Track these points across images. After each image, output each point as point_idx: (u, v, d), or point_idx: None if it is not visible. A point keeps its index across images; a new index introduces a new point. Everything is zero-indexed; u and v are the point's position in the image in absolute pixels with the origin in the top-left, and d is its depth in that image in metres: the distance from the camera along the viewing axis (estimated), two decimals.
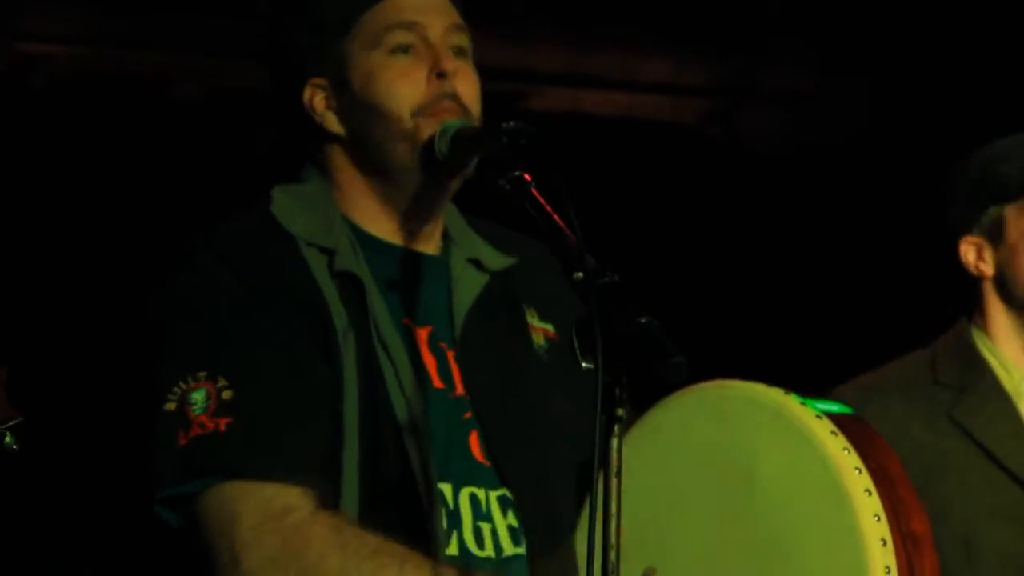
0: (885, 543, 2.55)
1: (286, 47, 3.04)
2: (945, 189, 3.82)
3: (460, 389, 2.89)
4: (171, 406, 2.67)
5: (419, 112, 2.81)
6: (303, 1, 3.08)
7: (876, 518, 2.55)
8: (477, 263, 3.01)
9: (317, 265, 2.85)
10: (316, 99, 2.93)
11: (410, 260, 3.00)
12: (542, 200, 2.47)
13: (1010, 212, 3.63)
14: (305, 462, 2.72)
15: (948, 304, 3.83)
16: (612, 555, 2.21)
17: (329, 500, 2.71)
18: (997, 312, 3.68)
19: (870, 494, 2.57)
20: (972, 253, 3.66)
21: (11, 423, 2.66)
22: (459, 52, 2.89)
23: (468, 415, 2.88)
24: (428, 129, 2.81)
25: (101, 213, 4.68)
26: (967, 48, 6.02)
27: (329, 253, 2.87)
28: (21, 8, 5.72)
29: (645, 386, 2.78)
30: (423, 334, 2.89)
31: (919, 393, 3.64)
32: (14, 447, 2.65)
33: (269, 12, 3.24)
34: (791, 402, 2.74)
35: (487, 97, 2.93)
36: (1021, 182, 3.65)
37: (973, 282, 3.69)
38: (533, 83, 4.84)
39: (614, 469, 2.26)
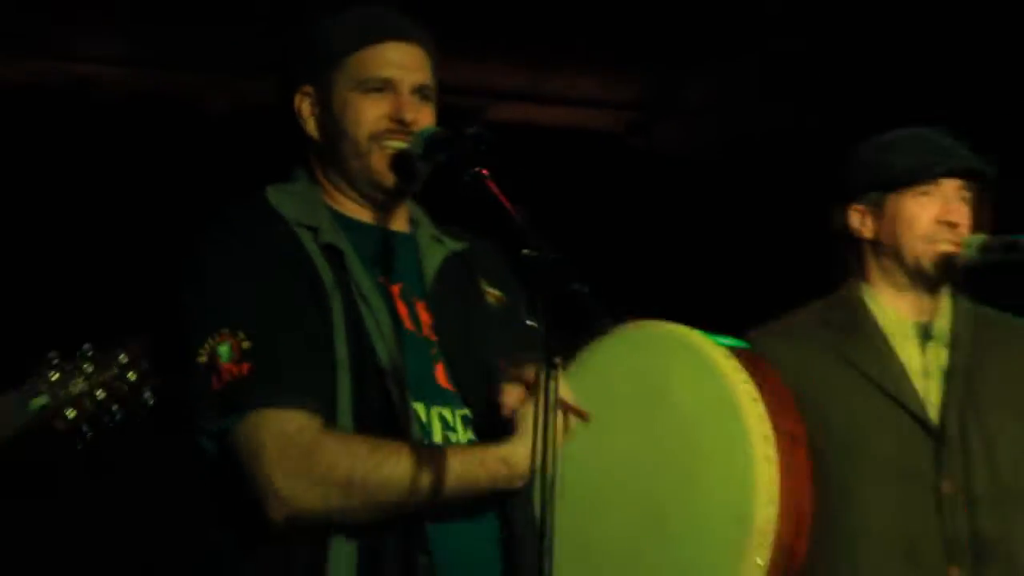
0: (767, 438, 3.04)
1: (289, 60, 3.41)
2: (842, 162, 3.96)
3: (427, 331, 3.23)
4: (203, 359, 2.98)
5: (373, 139, 3.19)
6: (310, 28, 3.40)
7: (760, 418, 3.06)
8: (438, 240, 3.39)
9: (306, 240, 3.17)
10: (304, 105, 3.29)
11: (383, 235, 3.32)
12: (497, 191, 2.83)
13: (890, 197, 3.78)
14: (310, 393, 3.02)
15: (840, 265, 3.98)
16: (550, 468, 2.60)
17: (330, 421, 3.04)
18: (875, 269, 3.87)
19: (756, 401, 3.08)
20: (857, 219, 3.84)
21: (152, 383, 2.79)
22: (423, 97, 3.25)
23: (434, 351, 3.22)
24: (377, 152, 3.19)
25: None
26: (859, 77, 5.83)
27: (314, 230, 3.19)
28: (75, 31, 5.55)
29: (578, 337, 3.17)
30: (395, 289, 3.21)
31: (814, 335, 3.85)
32: (150, 402, 2.78)
33: (286, 34, 3.56)
34: (695, 334, 3.24)
35: (451, 109, 3.31)
36: (902, 177, 3.80)
37: (857, 243, 3.87)
38: (488, 98, 5.04)
39: (552, 404, 2.61)
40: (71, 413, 2.67)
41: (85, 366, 2.71)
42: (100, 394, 2.68)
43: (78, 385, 2.69)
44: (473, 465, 3.03)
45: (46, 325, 2.74)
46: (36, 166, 6.02)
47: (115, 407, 2.70)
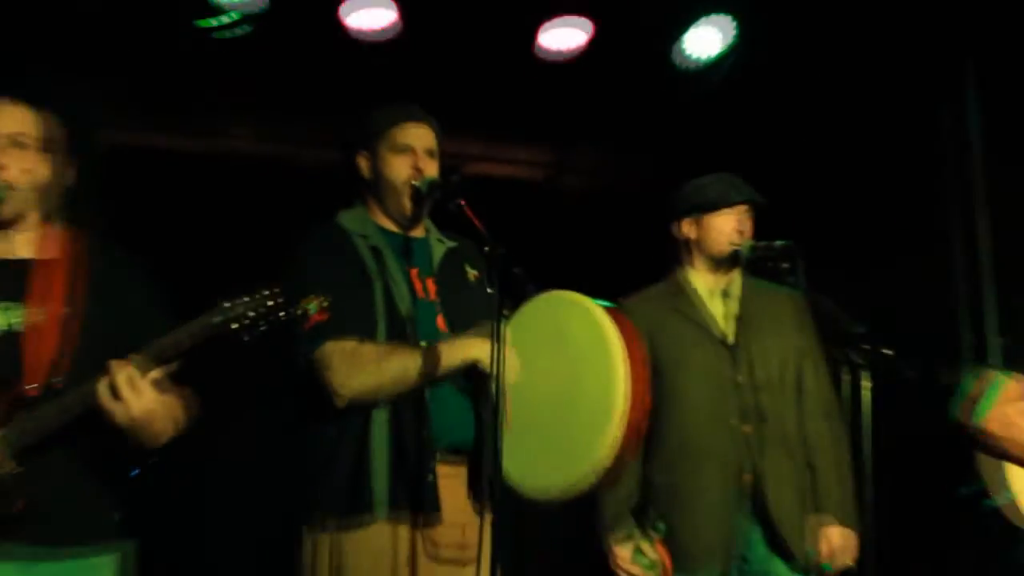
0: (624, 358, 3.15)
1: (352, 137, 3.55)
2: (674, 193, 4.09)
3: (433, 297, 3.43)
4: (300, 310, 3.08)
5: (404, 183, 3.43)
6: (364, 116, 3.53)
7: (619, 345, 3.16)
8: (440, 241, 3.56)
9: (360, 243, 3.42)
10: (361, 162, 3.51)
11: (406, 239, 3.50)
12: (470, 213, 3.16)
13: (706, 216, 3.99)
14: (357, 331, 3.29)
15: (672, 259, 4.14)
16: (500, 370, 2.93)
17: None
18: (696, 258, 4.05)
19: (617, 335, 3.19)
20: (685, 229, 4.03)
21: (280, 311, 2.78)
22: (431, 156, 3.46)
23: (437, 308, 3.42)
24: (407, 189, 3.41)
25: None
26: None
27: (364, 237, 3.43)
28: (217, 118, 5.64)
29: (518, 299, 3.25)
30: (414, 272, 3.43)
31: (659, 299, 4.02)
32: (280, 321, 2.80)
33: (348, 119, 3.60)
34: (584, 297, 3.32)
35: (443, 165, 3.51)
36: (714, 203, 3.98)
37: (685, 243, 4.05)
38: (462, 160, 5.00)
39: (502, 341, 2.94)
40: (235, 325, 2.69)
41: (244, 299, 2.73)
42: (252, 315, 2.70)
43: (238, 310, 2.69)
44: (452, 350, 3.26)
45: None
46: (190, 206, 5.99)
47: (261, 323, 2.72)
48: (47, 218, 2.94)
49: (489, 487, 3.10)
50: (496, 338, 2.95)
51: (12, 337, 2.77)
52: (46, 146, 2.86)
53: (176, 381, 2.88)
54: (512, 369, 3.18)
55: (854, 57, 5.46)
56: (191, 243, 6.11)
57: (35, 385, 2.73)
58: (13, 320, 2.79)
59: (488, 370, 2.98)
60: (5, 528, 2.64)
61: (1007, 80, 5.20)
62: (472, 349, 3.24)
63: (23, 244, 2.89)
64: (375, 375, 3.24)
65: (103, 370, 2.67)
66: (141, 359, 2.67)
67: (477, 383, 3.30)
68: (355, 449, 3.27)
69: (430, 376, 3.24)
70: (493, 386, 2.95)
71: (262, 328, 2.73)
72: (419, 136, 3.46)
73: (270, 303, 2.75)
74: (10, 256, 2.85)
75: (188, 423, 2.96)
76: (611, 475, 3.21)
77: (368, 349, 3.27)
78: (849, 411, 3.69)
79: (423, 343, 3.33)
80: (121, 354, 2.71)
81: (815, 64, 5.56)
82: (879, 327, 3.50)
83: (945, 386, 5.04)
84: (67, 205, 3.01)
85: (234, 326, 2.70)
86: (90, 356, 2.74)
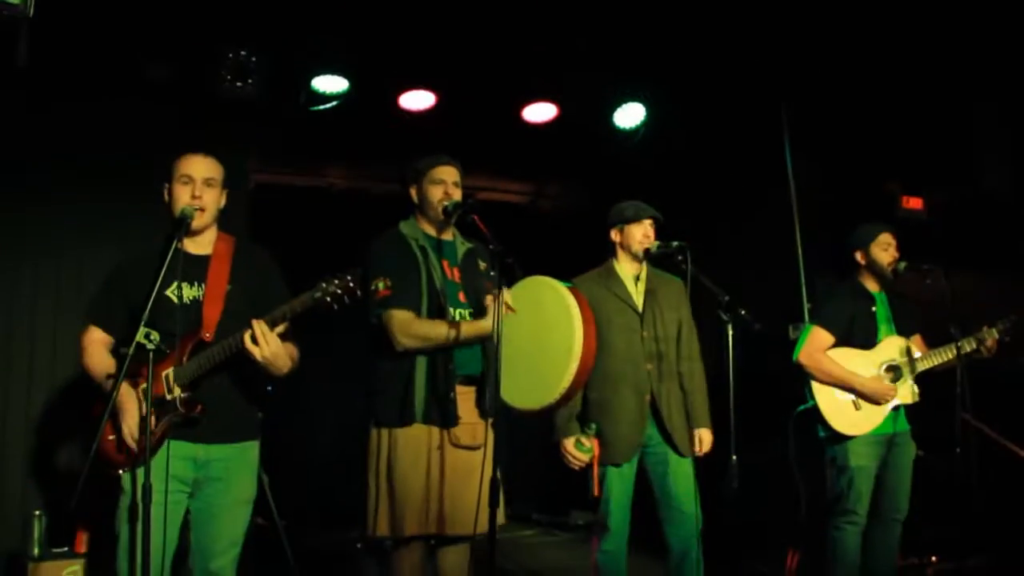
0: (579, 320, 3.08)
1: (407, 175, 3.39)
2: (608, 213, 3.85)
3: (457, 279, 3.29)
4: (373, 286, 3.13)
5: (439, 203, 3.26)
6: (417, 163, 3.37)
7: (577, 311, 3.10)
8: (463, 243, 3.39)
9: (412, 244, 3.27)
10: (412, 190, 3.35)
11: (440, 241, 3.34)
12: (481, 225, 3.04)
13: (626, 226, 3.78)
14: (410, 303, 3.17)
15: (609, 253, 3.85)
16: (499, 329, 2.83)
17: (418, 314, 3.17)
18: (620, 253, 3.81)
19: (575, 304, 3.12)
20: (615, 233, 3.82)
21: (358, 288, 2.70)
22: (456, 186, 3.30)
23: (459, 287, 3.28)
24: (440, 207, 3.25)
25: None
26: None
27: (415, 239, 3.28)
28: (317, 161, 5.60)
29: (511, 280, 3.06)
30: (445, 263, 3.29)
31: (597, 279, 3.77)
32: (357, 295, 2.70)
33: (406, 165, 3.45)
34: (553, 280, 3.25)
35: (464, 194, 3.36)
36: (631, 218, 3.77)
37: (614, 244, 3.82)
38: (474, 189, 5.04)
39: (500, 305, 2.87)
40: (328, 299, 2.64)
41: (335, 280, 2.65)
42: (339, 292, 2.64)
43: (331, 288, 2.64)
44: (470, 327, 3.14)
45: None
46: (304, 220, 6.00)
47: (345, 297, 2.66)
48: (216, 227, 2.98)
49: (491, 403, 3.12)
50: (497, 304, 2.87)
51: (197, 304, 2.82)
52: (219, 184, 2.91)
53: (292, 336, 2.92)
54: (506, 298, 3.06)
55: (717, 116, 5.50)
56: (307, 244, 5.97)
57: (209, 334, 2.78)
58: (197, 293, 2.83)
59: (493, 339, 2.85)
60: (191, 425, 2.75)
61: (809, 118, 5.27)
62: (484, 327, 3.08)
63: (203, 245, 2.92)
64: (421, 336, 3.14)
65: (247, 325, 2.72)
66: (269, 319, 2.70)
67: (486, 342, 3.18)
68: (403, 379, 3.18)
69: (457, 342, 3.15)
70: (495, 338, 2.85)
71: (346, 302, 2.69)
72: (449, 173, 3.33)
73: (351, 285, 2.69)
74: (197, 252, 2.89)
75: (297, 363, 2.95)
76: (569, 395, 3.16)
77: (417, 320, 3.16)
78: (718, 354, 3.62)
79: (455, 312, 3.23)
80: (256, 316, 2.76)
81: (693, 129, 5.61)
82: (741, 295, 3.40)
83: (784, 335, 5.14)
84: (223, 219, 3.05)
85: (327, 300, 2.64)
86: (236, 318, 2.79)
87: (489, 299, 3.05)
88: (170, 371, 2.73)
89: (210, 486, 2.79)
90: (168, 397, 2.70)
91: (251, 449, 2.92)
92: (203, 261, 2.88)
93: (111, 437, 2.70)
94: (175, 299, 2.77)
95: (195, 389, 2.74)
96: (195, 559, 2.78)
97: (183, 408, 2.70)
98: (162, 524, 2.58)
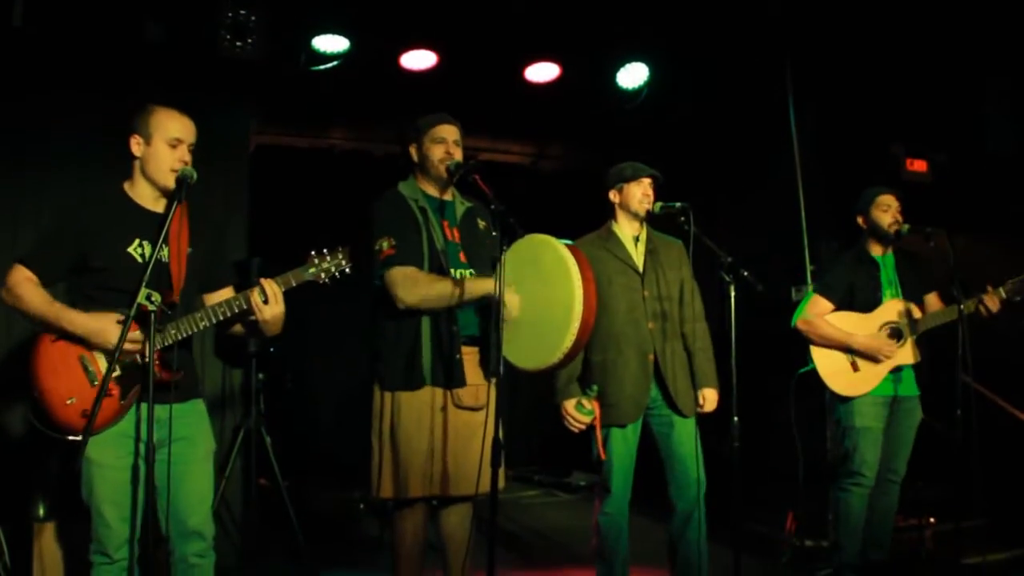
0: (579, 278, 3.02)
1: (407, 133, 3.36)
2: (606, 173, 3.78)
3: (457, 239, 3.28)
4: (377, 246, 3.14)
5: (440, 162, 3.25)
6: (417, 122, 3.33)
7: (576, 269, 3.03)
8: (463, 203, 3.37)
9: (412, 204, 3.25)
10: (412, 150, 3.32)
11: (441, 202, 3.32)
12: (482, 184, 3.03)
13: (625, 184, 3.70)
14: (414, 261, 3.15)
15: (608, 215, 3.77)
16: (500, 288, 2.83)
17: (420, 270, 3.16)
18: (620, 215, 3.73)
19: (574, 263, 3.05)
20: (613, 194, 3.74)
21: (350, 264, 2.75)
22: (457, 145, 3.28)
23: (460, 247, 3.27)
24: (442, 166, 3.24)
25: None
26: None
27: (415, 200, 3.26)
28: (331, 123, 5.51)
29: (511, 239, 2.97)
30: (445, 223, 3.28)
31: (598, 241, 3.71)
32: (348, 271, 2.75)
33: (406, 124, 3.41)
34: (552, 238, 3.15)
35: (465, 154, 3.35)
36: (629, 177, 3.69)
37: (613, 205, 3.74)
38: (476, 150, 5.05)
39: (503, 263, 2.85)
40: (322, 275, 2.70)
41: (327, 257, 2.71)
42: (331, 269, 2.70)
43: (324, 264, 2.70)
44: (474, 284, 3.12)
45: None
46: (304, 182, 6.04)
47: (336, 274, 2.71)
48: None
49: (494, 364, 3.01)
50: (499, 264, 2.85)
51: (162, 265, 2.72)
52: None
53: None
54: (512, 304, 3.11)
55: (721, 76, 5.44)
56: (308, 205, 6.04)
57: (176, 297, 2.74)
58: (161, 253, 2.71)
59: (494, 298, 2.85)
60: (167, 388, 2.65)
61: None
62: (487, 285, 3.06)
63: (163, 204, 2.80)
64: (424, 293, 3.12)
65: (256, 284, 2.73)
66: (280, 281, 2.71)
67: (487, 304, 3.13)
68: (410, 341, 3.17)
69: (459, 300, 3.12)
70: (496, 299, 2.86)
71: (337, 278, 2.71)
72: (450, 131, 3.29)
73: (342, 261, 2.72)
74: (156, 210, 2.77)
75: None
76: (572, 355, 3.12)
77: (422, 276, 3.15)
78: (720, 315, 3.58)
79: (456, 272, 3.20)
80: (207, 280, 2.86)
81: (697, 91, 5.55)
82: (744, 257, 3.36)
83: (786, 298, 5.14)
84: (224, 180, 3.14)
85: (321, 275, 2.70)
86: (193, 280, 2.81)
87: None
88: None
89: (176, 446, 2.70)
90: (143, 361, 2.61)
91: (201, 405, 2.86)
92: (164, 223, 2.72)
93: (69, 401, 2.59)
94: (138, 257, 2.69)
95: (168, 351, 2.67)
96: (171, 523, 2.72)
97: (162, 372, 2.63)
98: (131, 488, 2.57)
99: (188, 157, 2.73)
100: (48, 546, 3.60)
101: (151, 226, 2.70)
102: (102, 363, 2.62)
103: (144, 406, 2.54)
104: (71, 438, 2.58)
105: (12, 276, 2.70)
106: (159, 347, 2.60)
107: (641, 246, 3.73)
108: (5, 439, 4.28)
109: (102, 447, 2.61)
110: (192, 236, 2.81)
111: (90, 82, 4.43)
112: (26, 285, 2.68)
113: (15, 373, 4.14)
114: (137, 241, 2.71)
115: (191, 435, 2.77)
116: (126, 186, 2.78)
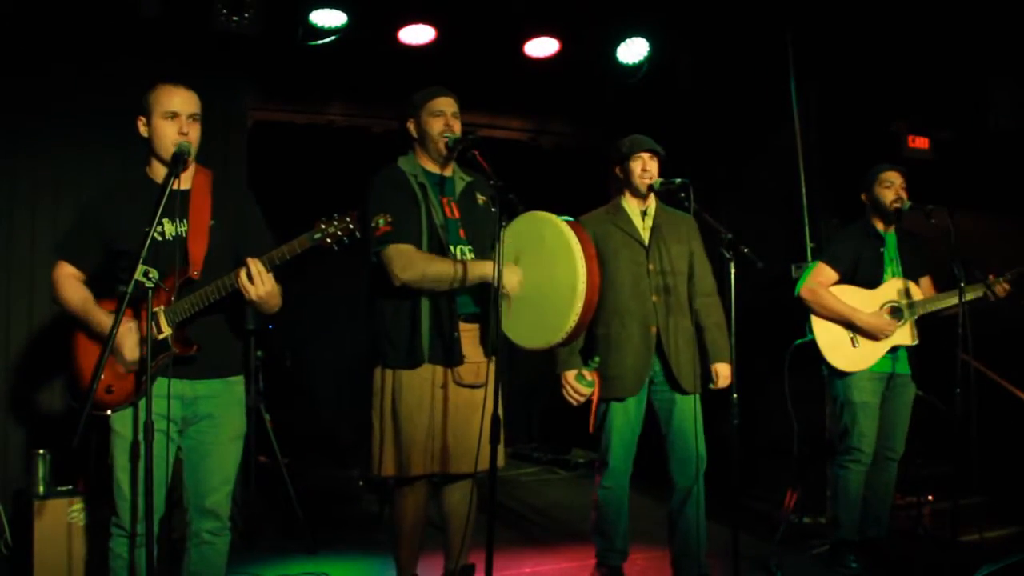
0: (581, 255, 3.01)
1: (406, 109, 3.31)
2: (610, 148, 3.74)
3: (457, 215, 3.25)
4: (373, 223, 3.09)
5: (440, 135, 3.22)
6: (413, 96, 3.29)
7: (578, 246, 3.02)
8: (462, 178, 3.33)
9: (411, 180, 3.21)
10: (410, 125, 3.28)
11: (441, 177, 3.28)
12: (481, 160, 2.99)
13: (630, 157, 3.65)
14: (410, 239, 3.12)
15: (616, 190, 3.72)
16: (499, 266, 2.81)
17: (419, 248, 3.13)
18: (625, 189, 3.68)
19: (576, 240, 3.03)
20: (617, 170, 3.66)
21: (358, 229, 2.68)
22: (455, 118, 3.24)
23: (459, 224, 3.24)
24: (442, 141, 3.21)
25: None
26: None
27: (415, 175, 3.23)
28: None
29: (511, 215, 2.99)
30: (445, 200, 3.24)
31: (605, 216, 3.68)
32: (357, 236, 2.67)
33: (404, 99, 3.35)
34: (552, 215, 3.13)
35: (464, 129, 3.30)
36: (632, 150, 3.64)
37: (617, 179, 3.70)
38: (475, 126, 4.60)
39: (501, 240, 2.81)
40: (328, 240, 2.64)
41: (334, 222, 2.65)
42: (339, 233, 2.64)
43: (331, 229, 2.64)
44: (476, 268, 3.11)
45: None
46: (302, 158, 6.03)
47: (345, 238, 2.65)
48: (194, 162, 2.86)
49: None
50: (498, 240, 2.81)
51: (181, 241, 2.73)
52: (200, 117, 2.79)
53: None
54: (512, 282, 3.10)
55: (722, 52, 5.42)
56: (305, 181, 6.02)
57: (196, 272, 2.73)
58: (181, 229, 2.75)
59: (493, 282, 2.83)
60: (184, 363, 2.71)
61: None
62: (486, 269, 3.06)
63: (184, 179, 2.77)
64: (421, 271, 3.08)
65: (241, 264, 2.66)
66: (265, 259, 2.64)
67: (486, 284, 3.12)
68: (409, 320, 3.16)
69: (460, 284, 3.11)
70: (495, 280, 2.84)
71: (345, 243, 2.67)
72: (448, 104, 3.25)
73: (351, 226, 2.67)
74: (176, 187, 2.70)
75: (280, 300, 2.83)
76: (576, 334, 3.12)
77: (418, 254, 3.12)
78: (720, 292, 3.69)
79: (456, 249, 3.19)
80: (236, 253, 2.76)
81: (697, 67, 5.48)
82: (744, 234, 3.33)
83: (787, 275, 5.13)
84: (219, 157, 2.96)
85: (328, 240, 2.64)
86: (220, 253, 2.78)
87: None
88: (160, 310, 2.68)
89: (200, 424, 2.76)
90: (160, 336, 2.67)
91: (237, 384, 2.86)
92: (184, 196, 2.76)
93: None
94: (158, 236, 2.70)
95: (184, 327, 2.71)
96: (189, 498, 2.77)
97: (177, 347, 2.67)
98: (160, 462, 2.58)
99: (188, 128, 2.71)
100: (48, 524, 3.63)
101: (171, 203, 2.69)
102: (129, 344, 2.70)
103: (163, 381, 2.65)
104: (96, 413, 2.68)
105: (55, 273, 2.81)
106: (174, 323, 2.67)
107: (648, 220, 3.70)
108: (17, 418, 4.34)
109: (124, 420, 2.69)
110: (216, 208, 2.80)
111: (84, 62, 4.42)
112: (67, 282, 2.78)
113: (33, 357, 4.35)
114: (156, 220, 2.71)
115: (217, 414, 2.78)
116: (146, 168, 2.80)
